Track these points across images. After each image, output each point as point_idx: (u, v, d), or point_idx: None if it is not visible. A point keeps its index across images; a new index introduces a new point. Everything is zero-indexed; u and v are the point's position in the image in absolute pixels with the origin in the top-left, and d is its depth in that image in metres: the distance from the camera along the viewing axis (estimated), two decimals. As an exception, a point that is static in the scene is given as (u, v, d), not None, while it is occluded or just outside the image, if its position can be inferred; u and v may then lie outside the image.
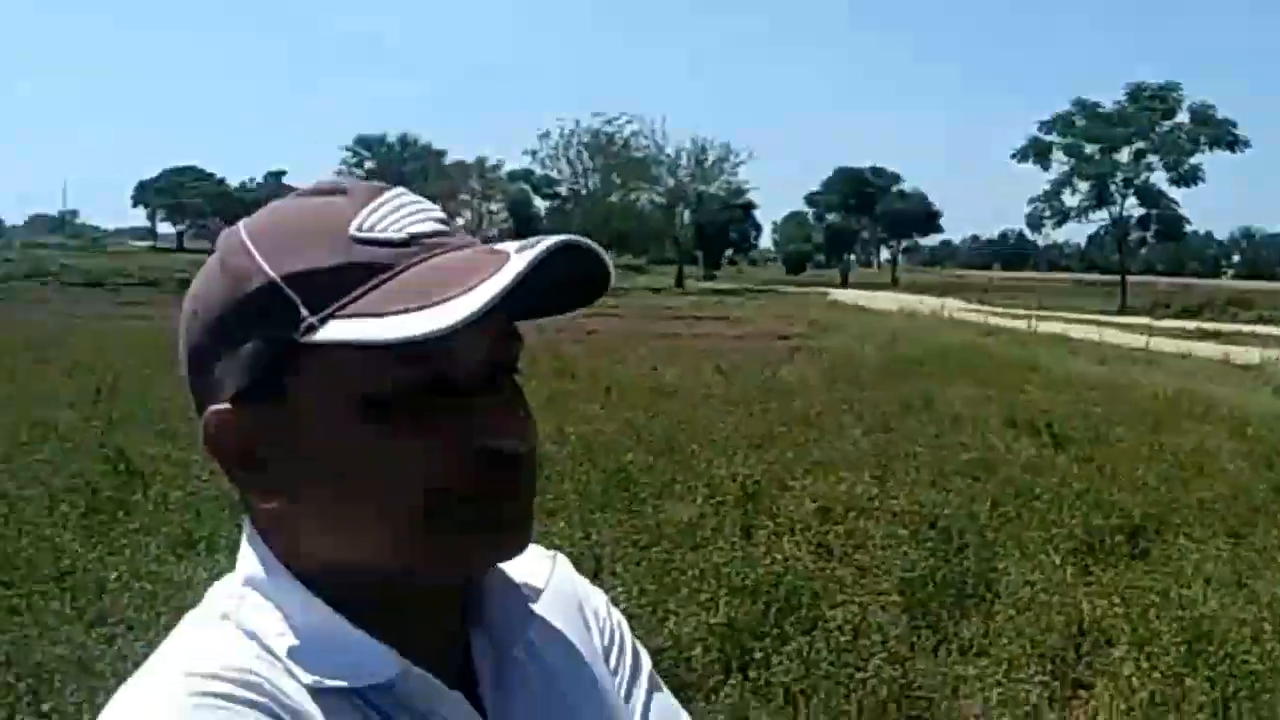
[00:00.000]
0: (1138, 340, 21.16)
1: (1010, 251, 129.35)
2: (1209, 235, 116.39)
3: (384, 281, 0.57)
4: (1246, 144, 47.24)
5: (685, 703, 0.80)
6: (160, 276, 33.88)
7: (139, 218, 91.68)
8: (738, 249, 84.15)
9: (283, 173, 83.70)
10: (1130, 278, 51.68)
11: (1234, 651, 3.80)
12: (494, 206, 73.36)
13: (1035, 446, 8.02)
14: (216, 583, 0.65)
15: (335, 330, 0.56)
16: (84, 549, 4.62)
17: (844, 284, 63.54)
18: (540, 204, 72.38)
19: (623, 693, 0.74)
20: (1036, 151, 50.57)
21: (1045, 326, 24.95)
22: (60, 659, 3.46)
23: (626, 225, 58.92)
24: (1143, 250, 69.84)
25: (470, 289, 0.55)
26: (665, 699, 0.77)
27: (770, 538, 5.22)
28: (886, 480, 6.60)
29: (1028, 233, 71.93)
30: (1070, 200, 51.44)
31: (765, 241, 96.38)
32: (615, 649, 0.76)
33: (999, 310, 33.75)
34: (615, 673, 0.75)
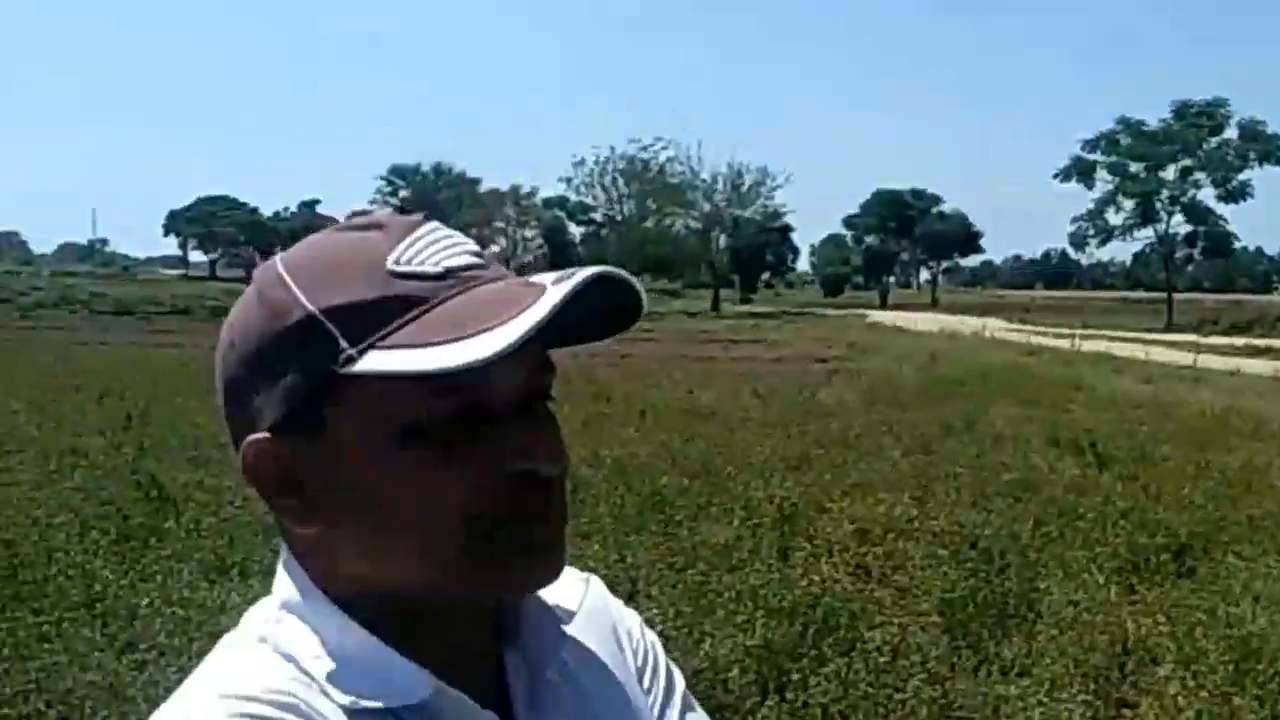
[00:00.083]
0: (1185, 358, 20.79)
1: (1053, 271, 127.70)
2: (1259, 251, 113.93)
3: (421, 314, 0.59)
4: (1297, 159, 46.47)
5: None
6: (192, 305, 33.96)
7: (170, 246, 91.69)
8: (775, 272, 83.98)
9: (317, 201, 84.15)
10: (1177, 295, 50.87)
11: (1284, 670, 3.71)
12: (529, 233, 73.65)
13: (1079, 466, 7.90)
14: (253, 607, 0.67)
15: (374, 362, 0.58)
16: (115, 575, 4.61)
17: (883, 305, 63.19)
18: (575, 230, 72.76)
19: (656, 713, 0.75)
20: (1080, 170, 50.15)
21: (1089, 345, 24.59)
22: (91, 685, 3.46)
23: (662, 250, 59.08)
24: (1190, 268, 68.73)
25: (506, 321, 0.57)
26: (699, 718, 0.78)
27: (808, 559, 5.18)
28: (926, 501, 6.53)
29: (1071, 252, 71.06)
30: (1115, 219, 50.94)
31: (803, 264, 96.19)
32: (649, 670, 0.77)
33: (1042, 329, 33.33)
34: (649, 693, 0.75)
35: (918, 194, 78.85)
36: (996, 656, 4.18)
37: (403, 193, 71.16)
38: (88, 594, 4.42)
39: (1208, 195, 49.20)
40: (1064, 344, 25.28)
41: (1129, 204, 49.91)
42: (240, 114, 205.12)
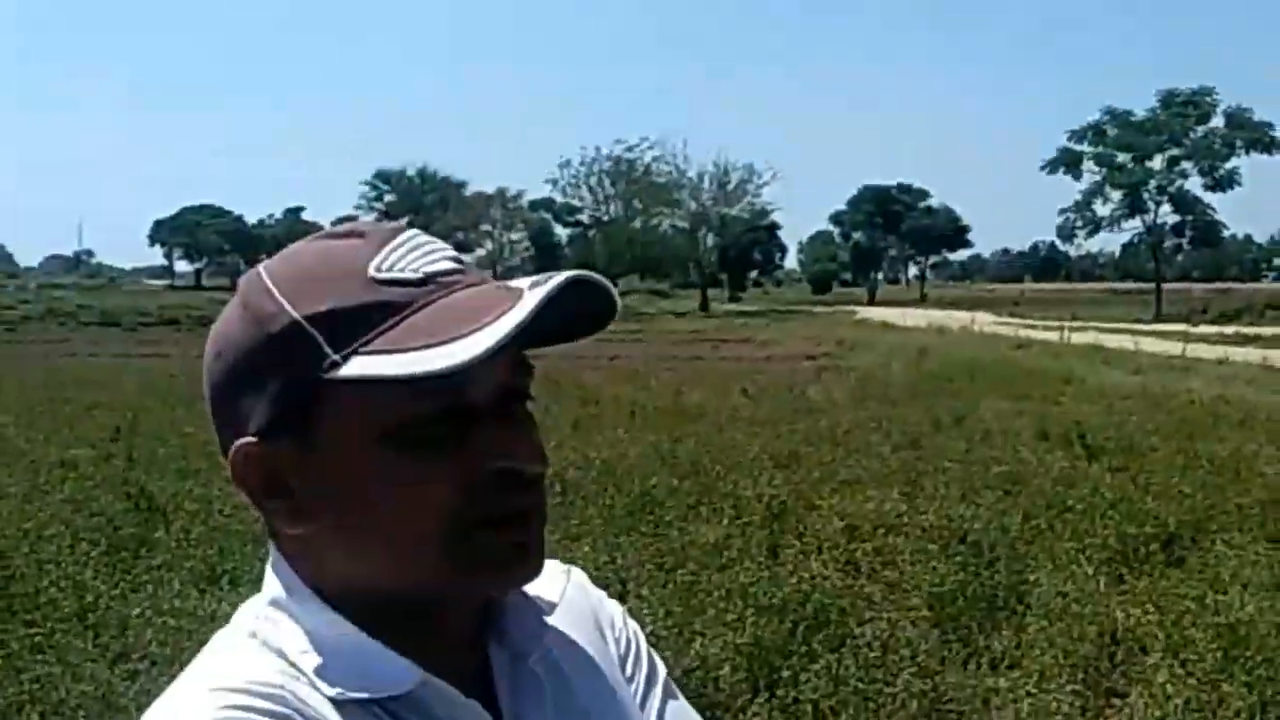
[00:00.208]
0: (1174, 347, 20.83)
1: (1041, 263, 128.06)
2: (1248, 239, 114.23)
3: (403, 319, 0.61)
4: (1285, 145, 46.61)
5: None
6: (178, 315, 33.82)
7: (155, 256, 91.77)
8: (763, 270, 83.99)
9: (301, 209, 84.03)
10: (1166, 285, 51.02)
11: (1272, 656, 3.72)
12: (515, 236, 73.50)
13: (1068, 459, 7.92)
14: (244, 604, 0.69)
15: (357, 367, 0.60)
16: (106, 586, 4.64)
17: (871, 302, 63.23)
18: (562, 232, 72.63)
19: (638, 700, 0.76)
20: (1067, 162, 50.15)
21: (1079, 337, 24.60)
22: (84, 696, 3.48)
23: (649, 251, 59.06)
24: (1179, 257, 68.92)
25: (485, 325, 0.59)
26: (681, 706, 0.78)
27: (797, 556, 5.19)
28: (915, 496, 6.55)
29: (1059, 244, 71.12)
30: (1102, 210, 50.96)
31: (791, 262, 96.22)
32: (631, 657, 0.78)
33: (1031, 322, 33.39)
34: (631, 680, 0.77)
35: (904, 189, 78.89)
36: (986, 649, 4.19)
37: (388, 197, 70.78)
38: (79, 605, 4.44)
39: (1195, 184, 49.38)
40: (1053, 336, 25.30)
41: (1116, 195, 49.89)
42: (224, 121, 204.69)
